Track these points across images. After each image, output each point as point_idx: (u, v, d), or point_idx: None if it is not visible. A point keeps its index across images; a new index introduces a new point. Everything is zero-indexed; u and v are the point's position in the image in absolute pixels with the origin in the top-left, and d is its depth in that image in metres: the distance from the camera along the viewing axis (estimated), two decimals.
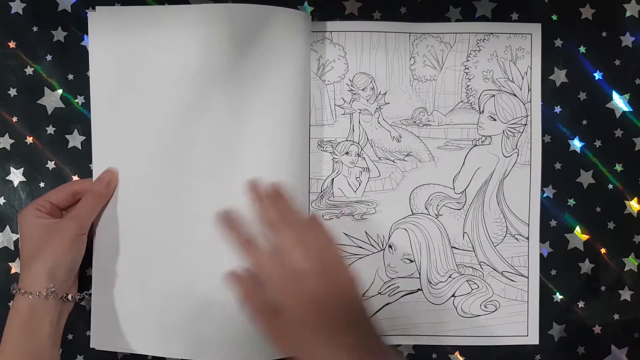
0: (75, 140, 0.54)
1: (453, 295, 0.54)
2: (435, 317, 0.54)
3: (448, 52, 0.54)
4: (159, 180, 0.50)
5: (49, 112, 0.54)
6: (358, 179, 0.54)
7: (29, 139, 0.54)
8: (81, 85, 0.54)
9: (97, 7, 0.51)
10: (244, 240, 0.46)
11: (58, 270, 0.46)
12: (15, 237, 0.54)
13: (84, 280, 0.53)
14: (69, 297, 0.48)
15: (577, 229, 0.55)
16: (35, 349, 0.45)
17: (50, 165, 0.54)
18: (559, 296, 0.54)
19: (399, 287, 0.54)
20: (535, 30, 0.54)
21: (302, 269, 0.43)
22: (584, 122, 0.55)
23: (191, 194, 0.50)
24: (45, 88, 0.54)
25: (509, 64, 0.54)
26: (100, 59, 0.51)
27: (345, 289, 0.43)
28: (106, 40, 0.51)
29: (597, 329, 0.55)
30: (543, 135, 0.54)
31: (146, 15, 0.50)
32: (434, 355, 0.54)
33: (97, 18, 0.51)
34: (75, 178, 0.54)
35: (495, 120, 0.54)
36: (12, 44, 0.54)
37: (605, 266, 0.54)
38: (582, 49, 0.55)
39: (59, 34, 0.54)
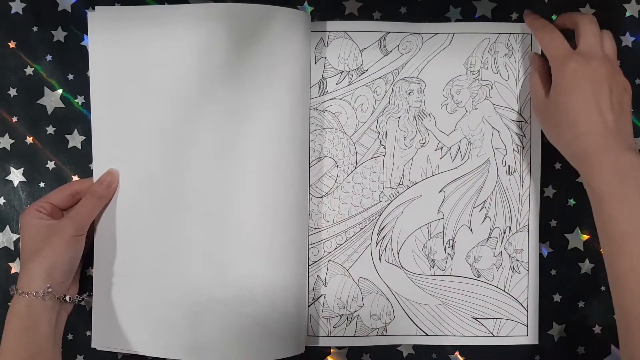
0: (75, 140, 0.54)
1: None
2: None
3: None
4: (159, 180, 0.50)
5: (49, 112, 0.54)
6: None
7: (29, 139, 0.54)
8: (81, 85, 0.54)
9: (96, 7, 0.51)
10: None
11: (55, 271, 0.46)
12: (15, 237, 0.54)
13: (85, 280, 0.53)
14: (67, 298, 0.48)
15: (577, 229, 0.55)
16: (34, 349, 0.45)
17: (50, 165, 0.54)
18: (558, 296, 0.55)
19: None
20: None
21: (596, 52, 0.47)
22: None
23: (191, 194, 0.50)
24: (45, 88, 0.54)
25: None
26: (100, 59, 0.51)
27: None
28: (106, 40, 0.51)
29: (597, 329, 0.55)
30: (543, 135, 0.54)
31: (146, 15, 0.50)
32: (434, 355, 0.54)
33: (96, 18, 0.51)
34: (75, 178, 0.54)
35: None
36: (12, 44, 0.54)
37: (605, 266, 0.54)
38: None
39: (59, 34, 0.54)
